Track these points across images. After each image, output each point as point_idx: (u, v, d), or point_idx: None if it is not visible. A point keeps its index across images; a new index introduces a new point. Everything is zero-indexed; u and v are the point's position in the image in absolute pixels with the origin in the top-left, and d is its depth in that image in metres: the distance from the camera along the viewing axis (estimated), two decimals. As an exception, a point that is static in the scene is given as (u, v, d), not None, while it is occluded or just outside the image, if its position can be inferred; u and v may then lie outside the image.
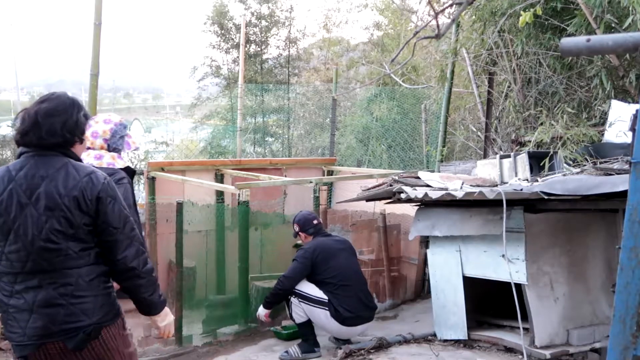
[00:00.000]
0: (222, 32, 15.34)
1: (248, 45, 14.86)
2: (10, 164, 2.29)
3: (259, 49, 15.07)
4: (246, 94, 10.98)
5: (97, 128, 3.12)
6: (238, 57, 15.30)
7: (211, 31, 15.32)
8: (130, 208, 2.51)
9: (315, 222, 4.72)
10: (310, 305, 4.43)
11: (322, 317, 4.42)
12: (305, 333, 4.52)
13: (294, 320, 4.56)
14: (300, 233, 4.72)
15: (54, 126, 2.21)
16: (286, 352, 4.49)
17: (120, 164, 3.12)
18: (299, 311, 4.47)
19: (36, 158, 2.22)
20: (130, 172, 3.14)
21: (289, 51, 15.47)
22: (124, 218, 2.28)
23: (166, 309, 2.46)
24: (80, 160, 2.34)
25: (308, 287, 4.47)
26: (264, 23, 15.15)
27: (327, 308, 4.39)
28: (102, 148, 3.11)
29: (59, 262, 2.18)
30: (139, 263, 2.29)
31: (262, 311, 4.65)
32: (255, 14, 15.11)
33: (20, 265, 2.18)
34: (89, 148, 3.08)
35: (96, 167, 2.49)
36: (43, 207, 2.16)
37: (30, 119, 2.21)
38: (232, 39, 15.34)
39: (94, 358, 2.28)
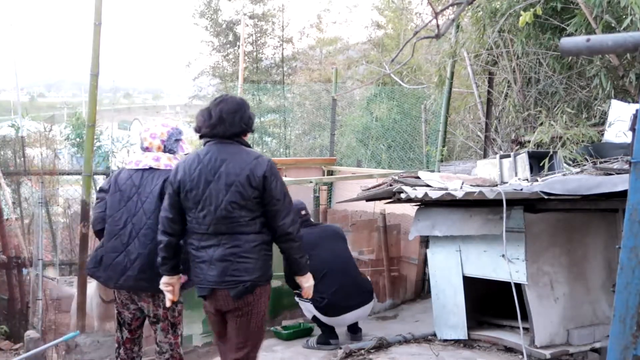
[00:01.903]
0: (213, 26, 15.34)
1: (244, 44, 14.87)
2: (198, 150, 2.96)
3: (253, 49, 15.07)
4: (243, 93, 10.97)
5: (155, 130, 3.33)
6: (228, 54, 15.31)
7: (202, 26, 15.36)
8: None
9: (303, 212, 4.70)
10: (301, 300, 4.56)
11: (312, 309, 4.52)
12: (319, 326, 4.64)
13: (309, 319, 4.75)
14: None
15: (235, 120, 2.90)
16: (306, 341, 4.65)
17: (175, 164, 3.27)
18: (303, 308, 4.64)
19: (218, 145, 2.90)
20: None
21: (282, 51, 15.45)
22: (284, 192, 2.90)
23: (309, 274, 3.07)
24: (249, 146, 2.98)
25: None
26: (257, 22, 15.15)
27: (310, 301, 4.43)
28: (159, 149, 3.30)
29: (233, 227, 2.82)
30: (294, 229, 2.90)
31: None
32: (248, 14, 15.12)
33: (206, 228, 2.84)
34: (147, 149, 3.30)
35: (147, 169, 3.17)
36: (223, 184, 2.81)
37: (217, 116, 2.89)
38: (223, 34, 15.33)
39: (243, 309, 2.88)
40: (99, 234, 3.40)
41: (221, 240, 2.83)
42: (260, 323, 2.97)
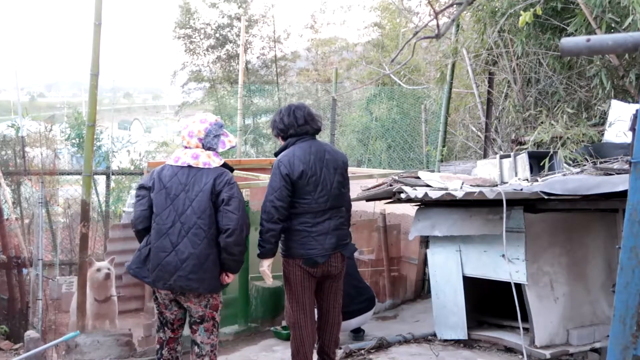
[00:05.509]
0: (193, 34, 15.33)
1: (228, 46, 14.85)
2: (303, 144, 3.49)
3: (238, 50, 15.02)
4: (232, 95, 10.95)
5: (192, 128, 3.26)
6: (216, 58, 15.29)
7: (181, 36, 15.37)
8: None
9: None
10: None
11: None
12: None
13: None
14: None
15: (314, 121, 3.57)
16: None
17: (215, 162, 3.23)
18: None
19: (312, 140, 3.55)
20: (230, 169, 3.31)
21: (275, 52, 15.40)
22: None
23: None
24: None
25: None
26: (240, 24, 15.12)
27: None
28: (197, 147, 3.24)
29: (339, 202, 3.54)
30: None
31: None
32: (228, 16, 15.06)
33: (324, 205, 3.46)
34: (185, 147, 3.25)
35: (193, 167, 3.18)
36: (332, 168, 3.51)
37: (303, 119, 3.52)
38: (203, 38, 15.32)
39: (343, 270, 3.62)
40: (141, 233, 3.28)
41: (332, 214, 3.49)
42: None
